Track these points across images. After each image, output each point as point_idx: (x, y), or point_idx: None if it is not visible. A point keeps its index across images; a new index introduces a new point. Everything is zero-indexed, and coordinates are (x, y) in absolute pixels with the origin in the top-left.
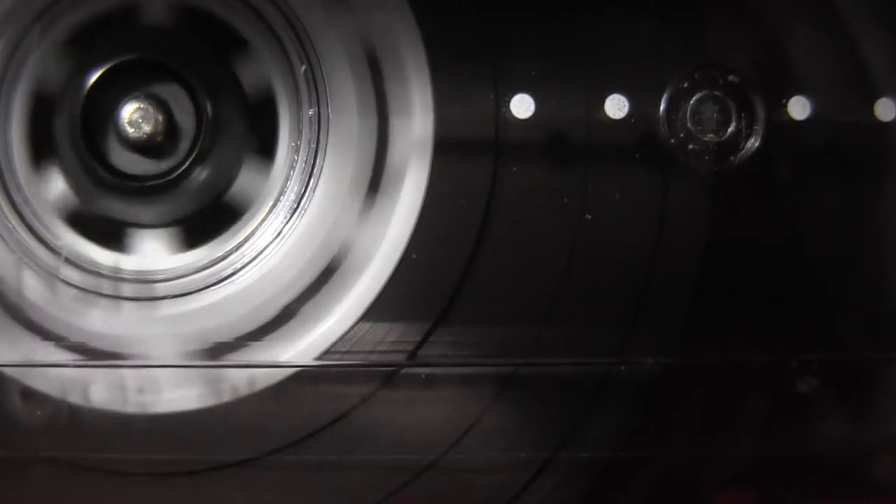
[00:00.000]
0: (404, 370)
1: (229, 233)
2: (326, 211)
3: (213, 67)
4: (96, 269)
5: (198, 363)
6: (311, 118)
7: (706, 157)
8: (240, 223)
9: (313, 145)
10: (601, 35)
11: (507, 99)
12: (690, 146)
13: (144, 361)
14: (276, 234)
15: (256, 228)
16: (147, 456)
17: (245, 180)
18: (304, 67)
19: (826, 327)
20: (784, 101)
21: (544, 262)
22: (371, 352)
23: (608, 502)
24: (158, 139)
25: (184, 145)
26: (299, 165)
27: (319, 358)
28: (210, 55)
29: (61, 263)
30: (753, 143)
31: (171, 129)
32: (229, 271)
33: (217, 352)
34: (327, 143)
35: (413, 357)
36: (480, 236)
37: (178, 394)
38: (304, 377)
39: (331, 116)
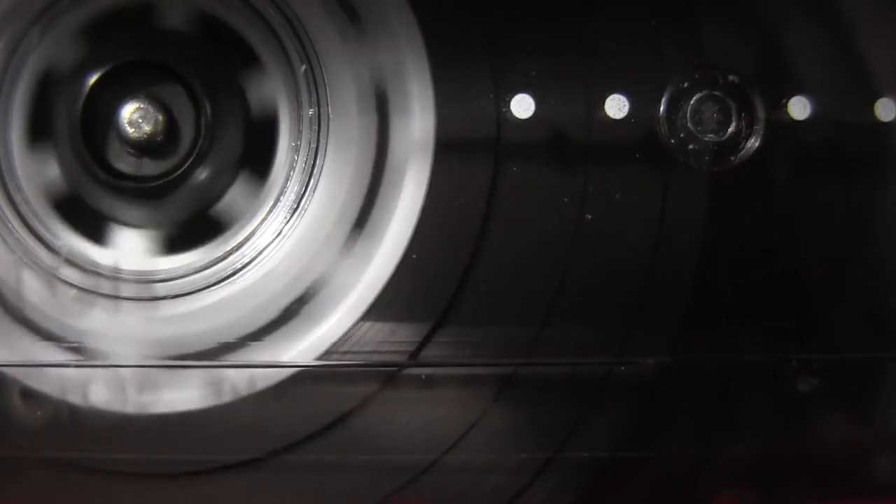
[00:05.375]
0: (405, 370)
1: (227, 234)
2: (326, 211)
3: (214, 67)
4: (96, 269)
5: (198, 363)
6: (311, 118)
7: (706, 157)
8: (238, 224)
9: (313, 145)
10: (601, 35)
11: (507, 99)
12: (690, 146)
13: (144, 361)
14: (276, 234)
15: (256, 228)
16: (147, 456)
17: (244, 181)
18: (304, 67)
19: (826, 327)
20: (784, 101)
21: (544, 262)
22: (372, 352)
23: (608, 502)
24: (158, 139)
25: (183, 146)
26: (299, 165)
27: (320, 358)
28: (210, 54)
29: (61, 263)
30: (753, 143)
31: (171, 130)
32: (229, 271)
33: (217, 352)
34: (327, 143)
35: (414, 357)
36: (480, 236)
37: (179, 394)
38: (304, 377)
39: (331, 116)
